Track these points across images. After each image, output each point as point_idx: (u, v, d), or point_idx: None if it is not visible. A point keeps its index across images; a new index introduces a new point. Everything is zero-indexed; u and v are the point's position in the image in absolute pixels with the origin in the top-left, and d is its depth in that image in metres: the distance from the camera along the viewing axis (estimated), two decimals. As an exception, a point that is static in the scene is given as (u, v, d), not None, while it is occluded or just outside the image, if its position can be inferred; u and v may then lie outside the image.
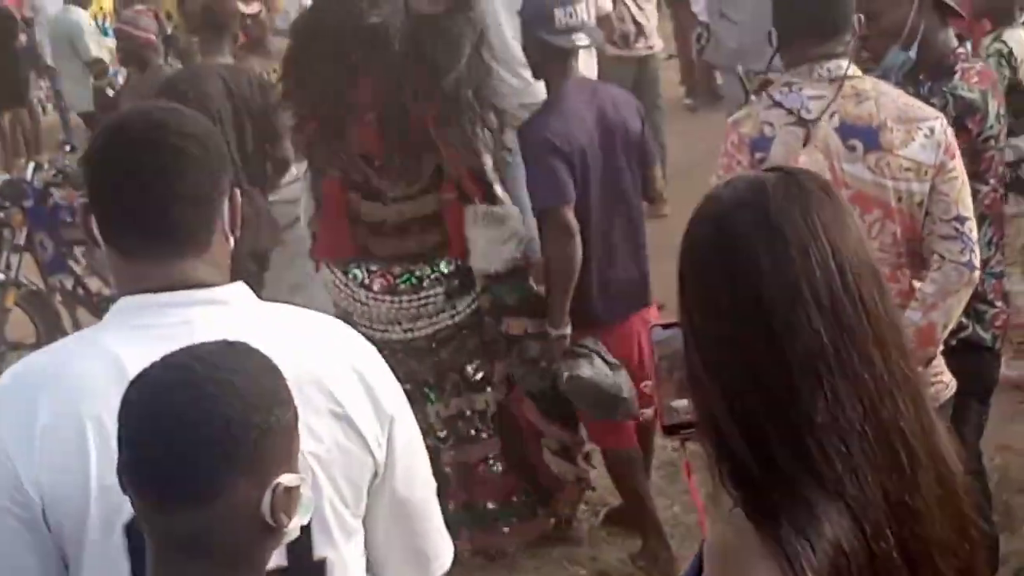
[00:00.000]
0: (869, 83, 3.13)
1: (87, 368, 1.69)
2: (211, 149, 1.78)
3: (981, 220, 3.46)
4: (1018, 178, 4.96)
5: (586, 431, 4.41)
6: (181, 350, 1.49)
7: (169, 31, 8.09)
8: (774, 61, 3.32)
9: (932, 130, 3.06)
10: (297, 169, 4.92)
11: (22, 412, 1.66)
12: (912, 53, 3.44)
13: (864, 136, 3.05)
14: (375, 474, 1.82)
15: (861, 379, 1.38)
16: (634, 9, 8.33)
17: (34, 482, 1.63)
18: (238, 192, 1.85)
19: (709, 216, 1.47)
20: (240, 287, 1.80)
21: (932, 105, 3.32)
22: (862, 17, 3.19)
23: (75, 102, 11.31)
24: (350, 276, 4.05)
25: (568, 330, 4.10)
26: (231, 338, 1.53)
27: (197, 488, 1.42)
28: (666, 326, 1.69)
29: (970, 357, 3.43)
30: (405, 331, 4.01)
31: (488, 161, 4.14)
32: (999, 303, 3.54)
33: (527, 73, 4.48)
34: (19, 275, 6.55)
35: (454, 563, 2.04)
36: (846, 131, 3.06)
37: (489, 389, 4.11)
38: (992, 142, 3.47)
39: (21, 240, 6.60)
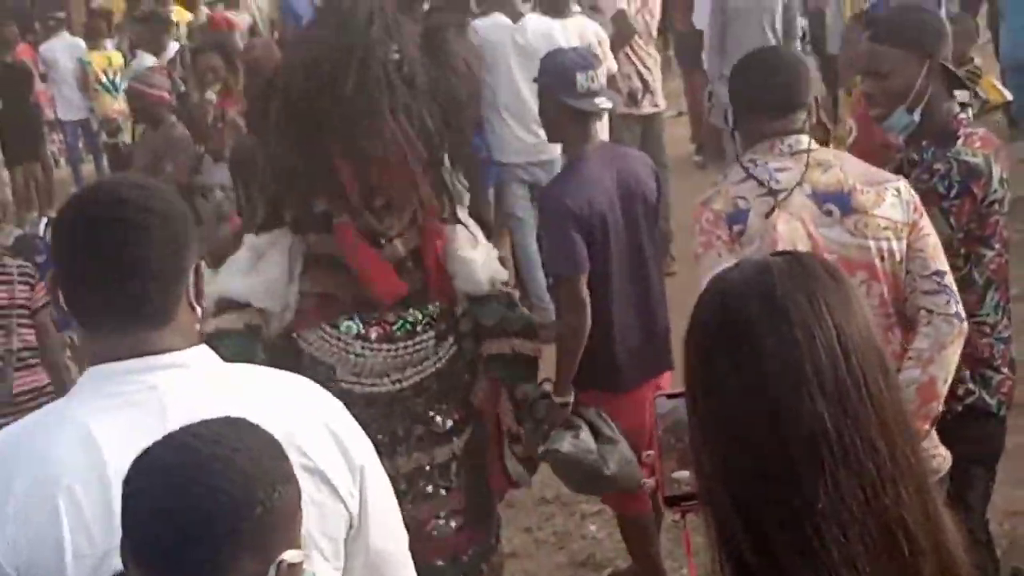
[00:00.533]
0: (830, 153, 3.22)
1: (57, 440, 1.72)
2: (173, 224, 1.81)
3: (987, 285, 3.49)
4: None
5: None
6: (181, 429, 1.50)
7: (182, 88, 8.16)
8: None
9: (899, 190, 3.15)
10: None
11: None
12: (916, 116, 3.48)
13: (838, 201, 3.12)
14: (350, 526, 1.85)
15: (864, 466, 1.37)
16: (641, 68, 8.46)
17: (9, 554, 1.65)
18: (202, 264, 1.89)
19: (715, 297, 1.48)
20: (202, 350, 1.83)
21: (936, 170, 3.37)
22: (818, 97, 3.27)
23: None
24: (342, 329, 3.86)
25: (571, 397, 4.08)
26: (231, 414, 1.55)
27: (202, 568, 1.43)
28: (671, 396, 1.71)
29: (976, 423, 3.43)
30: (394, 382, 3.88)
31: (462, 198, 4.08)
32: (1005, 369, 3.54)
33: (541, 131, 4.51)
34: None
35: None
36: (820, 198, 3.13)
37: (455, 439, 3.96)
38: (996, 206, 3.49)
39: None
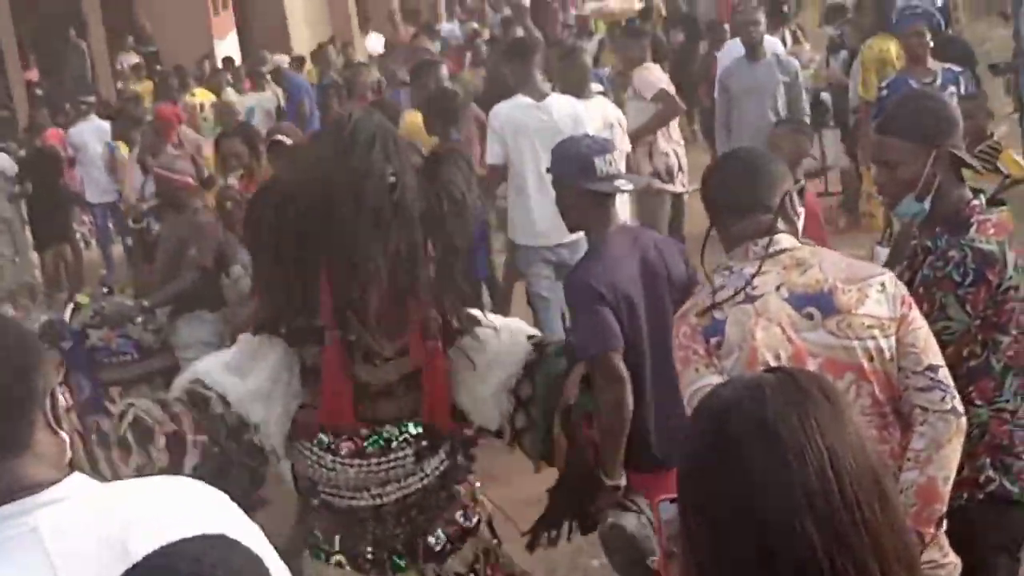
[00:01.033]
0: (807, 251, 3.14)
1: None
2: (18, 351, 1.81)
3: (1006, 371, 3.44)
4: None
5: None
6: (156, 552, 1.48)
7: (206, 173, 8.26)
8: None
9: (883, 284, 3.07)
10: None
11: None
12: (926, 204, 3.47)
13: (818, 302, 3.04)
14: None
15: None
16: (675, 146, 8.64)
17: None
18: (58, 388, 1.88)
19: (707, 417, 1.48)
20: (76, 478, 1.80)
21: (951, 258, 3.35)
22: (792, 194, 3.24)
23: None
24: (315, 442, 3.82)
25: (623, 480, 4.01)
26: (112, 541, 1.54)
27: None
28: (674, 500, 1.70)
29: (998, 511, 3.38)
30: (374, 496, 3.81)
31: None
32: (1027, 457, 3.49)
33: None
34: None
35: None
36: (798, 301, 3.05)
37: (450, 560, 3.92)
38: (1012, 292, 3.47)
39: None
